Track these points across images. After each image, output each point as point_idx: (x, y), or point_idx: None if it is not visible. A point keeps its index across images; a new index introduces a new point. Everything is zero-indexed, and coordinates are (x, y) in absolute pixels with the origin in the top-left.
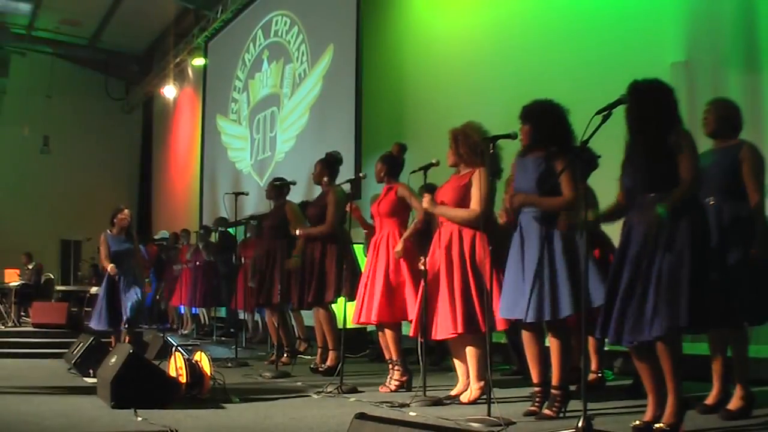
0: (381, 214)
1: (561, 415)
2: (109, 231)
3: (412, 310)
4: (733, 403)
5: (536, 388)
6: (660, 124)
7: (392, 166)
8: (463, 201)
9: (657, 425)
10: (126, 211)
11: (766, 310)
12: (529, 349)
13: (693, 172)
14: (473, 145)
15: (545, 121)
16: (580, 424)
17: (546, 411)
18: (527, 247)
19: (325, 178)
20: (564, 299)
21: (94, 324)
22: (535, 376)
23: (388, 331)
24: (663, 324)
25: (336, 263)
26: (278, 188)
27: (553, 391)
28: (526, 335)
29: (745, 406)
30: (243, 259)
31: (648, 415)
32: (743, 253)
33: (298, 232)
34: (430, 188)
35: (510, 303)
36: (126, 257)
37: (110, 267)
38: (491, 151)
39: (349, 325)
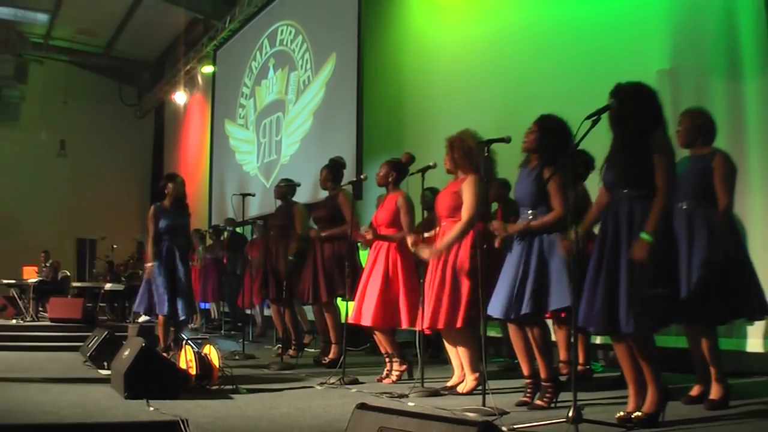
0: (380, 224)
1: (552, 405)
2: (159, 203)
3: (409, 319)
4: (714, 394)
5: (527, 380)
6: (639, 125)
7: (397, 172)
8: (459, 207)
9: (637, 414)
10: (179, 179)
11: (726, 311)
12: (516, 343)
13: (669, 184)
14: (468, 150)
15: (552, 135)
16: (570, 414)
17: (538, 402)
18: (521, 250)
19: (330, 183)
20: (546, 296)
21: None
22: (525, 369)
23: (379, 334)
24: (632, 323)
25: (342, 263)
26: (286, 189)
27: (543, 383)
28: (511, 329)
29: (722, 396)
30: (250, 258)
31: (630, 406)
32: (711, 255)
33: (313, 234)
34: (432, 191)
35: (496, 303)
36: (182, 232)
37: (148, 266)
38: (486, 155)
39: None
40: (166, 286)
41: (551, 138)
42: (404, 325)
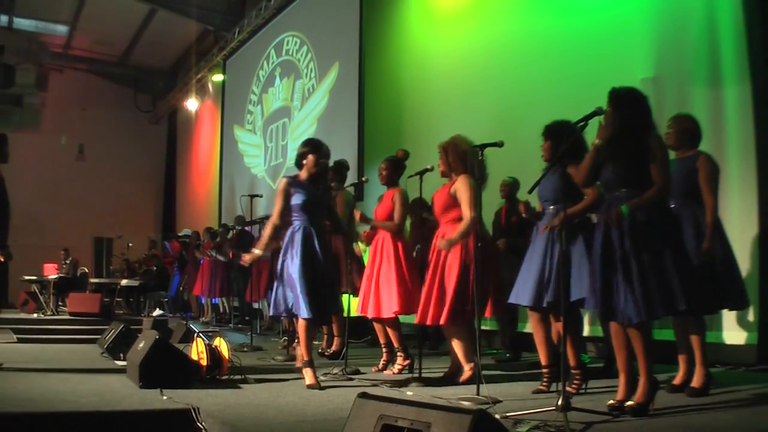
0: (379, 218)
1: (582, 391)
2: (294, 175)
3: (400, 304)
4: (696, 382)
5: (545, 369)
6: (634, 128)
7: (395, 169)
8: (450, 206)
9: (629, 403)
10: (325, 148)
11: (715, 302)
12: (538, 333)
13: (664, 177)
14: (462, 155)
15: (562, 139)
16: (560, 402)
17: (568, 388)
18: (539, 241)
19: (333, 183)
20: (574, 286)
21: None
22: (543, 358)
23: (390, 328)
24: (639, 311)
25: (344, 259)
26: None
27: (573, 370)
28: (534, 319)
29: (705, 384)
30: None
31: (620, 395)
32: (698, 250)
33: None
34: (423, 203)
35: (519, 290)
36: (321, 211)
37: (256, 253)
38: (480, 158)
39: (353, 314)
40: (305, 279)
41: (561, 141)
42: (406, 311)
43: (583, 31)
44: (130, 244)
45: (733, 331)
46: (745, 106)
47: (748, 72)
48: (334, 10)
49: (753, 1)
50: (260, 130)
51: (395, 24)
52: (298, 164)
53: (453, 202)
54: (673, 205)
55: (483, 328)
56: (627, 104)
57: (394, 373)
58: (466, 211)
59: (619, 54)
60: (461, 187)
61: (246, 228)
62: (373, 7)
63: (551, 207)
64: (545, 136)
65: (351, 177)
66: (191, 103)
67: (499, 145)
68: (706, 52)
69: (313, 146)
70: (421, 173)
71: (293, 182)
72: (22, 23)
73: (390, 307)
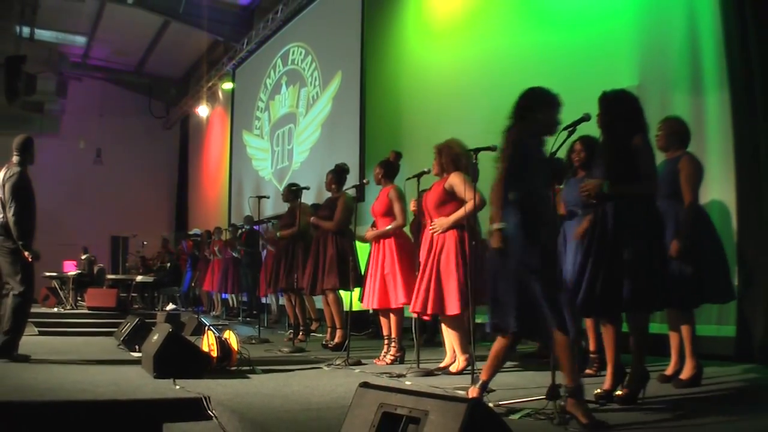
0: (376, 214)
1: (598, 374)
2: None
3: (407, 295)
4: (685, 374)
5: (592, 355)
6: (623, 128)
7: (388, 170)
8: (445, 201)
9: (618, 392)
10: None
11: (697, 296)
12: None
13: (651, 174)
14: (455, 156)
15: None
16: (549, 392)
17: (588, 370)
18: (571, 244)
19: (334, 186)
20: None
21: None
22: (592, 344)
23: (392, 315)
24: (629, 302)
25: (344, 257)
26: (293, 192)
27: (591, 355)
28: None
29: (695, 375)
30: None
31: (607, 384)
32: (676, 245)
33: (312, 219)
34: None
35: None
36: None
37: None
38: (474, 161)
39: (355, 308)
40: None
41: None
42: (405, 301)
43: (571, 43)
44: (145, 243)
45: (711, 324)
46: (724, 111)
47: (726, 80)
48: (337, 22)
49: (731, 13)
50: (267, 135)
51: (394, 36)
52: (521, 118)
53: (447, 198)
54: (658, 205)
55: (476, 321)
56: (613, 105)
57: (386, 363)
58: (470, 202)
59: (605, 64)
60: (456, 180)
61: (254, 227)
62: (373, 20)
63: (580, 212)
64: (583, 146)
65: (353, 179)
66: (202, 110)
67: (492, 149)
68: (688, 61)
69: (548, 99)
70: (419, 176)
71: (526, 133)
72: (43, 34)
73: (397, 298)
